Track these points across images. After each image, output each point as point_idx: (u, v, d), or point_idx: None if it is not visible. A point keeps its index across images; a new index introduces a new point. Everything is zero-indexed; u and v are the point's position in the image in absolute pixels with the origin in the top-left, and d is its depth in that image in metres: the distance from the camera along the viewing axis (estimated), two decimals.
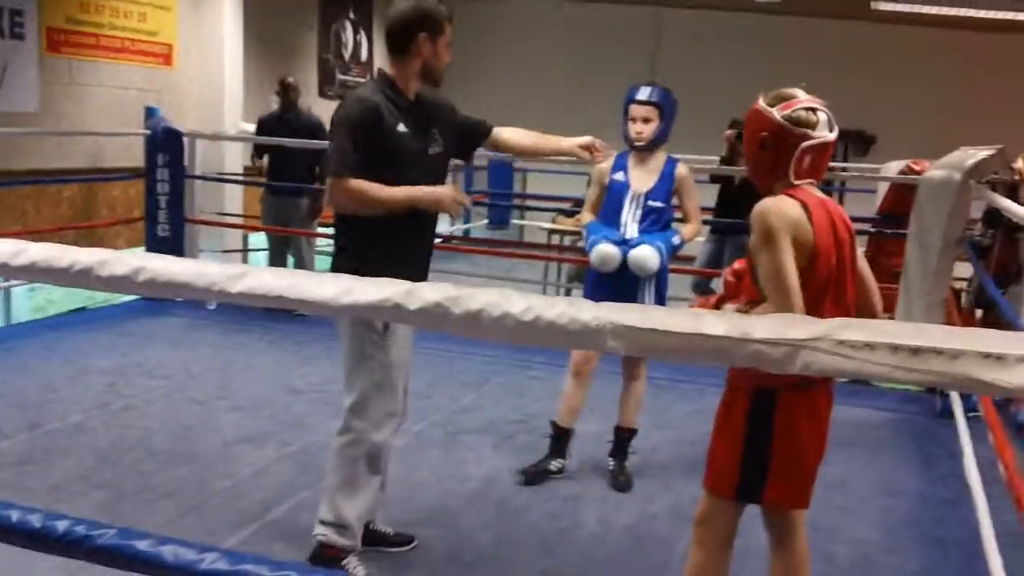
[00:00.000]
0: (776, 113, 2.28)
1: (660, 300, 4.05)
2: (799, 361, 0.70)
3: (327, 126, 3.05)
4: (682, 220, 4.05)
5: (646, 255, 3.73)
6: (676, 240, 3.85)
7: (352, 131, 2.82)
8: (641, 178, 3.90)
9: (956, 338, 0.68)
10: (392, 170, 2.85)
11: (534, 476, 3.92)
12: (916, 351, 0.68)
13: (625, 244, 3.78)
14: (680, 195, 3.95)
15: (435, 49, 2.91)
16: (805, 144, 2.27)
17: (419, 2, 2.91)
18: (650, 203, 3.85)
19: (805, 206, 2.25)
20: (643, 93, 3.98)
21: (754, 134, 2.35)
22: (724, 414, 2.47)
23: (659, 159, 3.96)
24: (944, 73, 11.78)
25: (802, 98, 2.31)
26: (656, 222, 3.86)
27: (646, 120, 3.92)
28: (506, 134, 3.40)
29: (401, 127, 2.88)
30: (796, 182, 2.31)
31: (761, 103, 2.33)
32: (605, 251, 3.76)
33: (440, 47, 2.92)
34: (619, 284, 3.81)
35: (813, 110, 2.29)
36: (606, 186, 3.96)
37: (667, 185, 3.89)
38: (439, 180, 3.06)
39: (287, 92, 7.01)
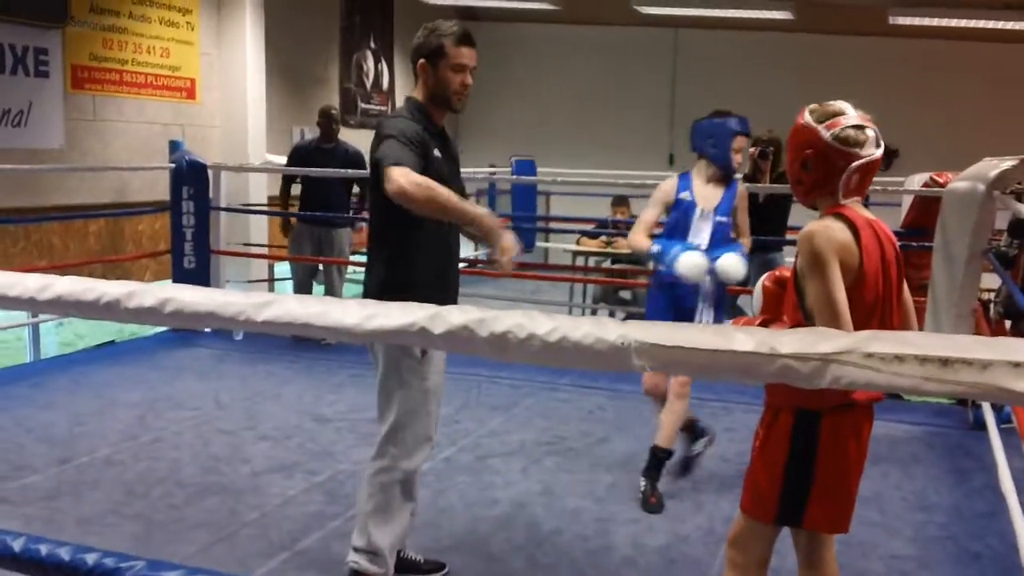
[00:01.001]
0: (824, 132, 2.21)
1: (719, 318, 4.13)
2: (828, 375, 0.70)
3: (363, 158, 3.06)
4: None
5: (735, 262, 3.88)
6: (745, 252, 4.03)
7: (407, 140, 2.78)
8: (707, 196, 4.06)
9: (985, 348, 0.67)
10: None
11: (646, 503, 3.93)
12: (945, 362, 0.67)
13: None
14: (737, 212, 4.14)
15: (437, 74, 2.88)
16: (855, 165, 2.20)
17: (425, 28, 2.91)
18: (718, 218, 3.99)
19: (854, 227, 2.19)
20: (747, 126, 4.28)
21: (798, 151, 2.27)
22: (765, 436, 2.41)
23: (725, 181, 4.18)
24: (965, 85, 11.72)
25: (850, 115, 2.23)
26: (723, 237, 3.99)
27: (738, 150, 4.17)
28: None
29: (437, 152, 2.91)
30: (844, 201, 2.25)
31: (808, 119, 2.25)
32: (694, 259, 3.84)
33: (442, 71, 2.86)
34: (679, 302, 3.97)
35: (861, 128, 2.22)
36: (671, 205, 4.10)
37: (731, 202, 4.07)
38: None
39: (329, 122, 7.00)
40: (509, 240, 2.80)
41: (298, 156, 7.11)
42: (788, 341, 0.71)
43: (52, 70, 7.31)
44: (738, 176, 4.24)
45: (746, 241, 4.15)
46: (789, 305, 2.33)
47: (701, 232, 4.00)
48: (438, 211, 2.73)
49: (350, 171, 6.76)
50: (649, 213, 4.13)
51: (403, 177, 2.66)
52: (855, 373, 0.69)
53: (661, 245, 3.97)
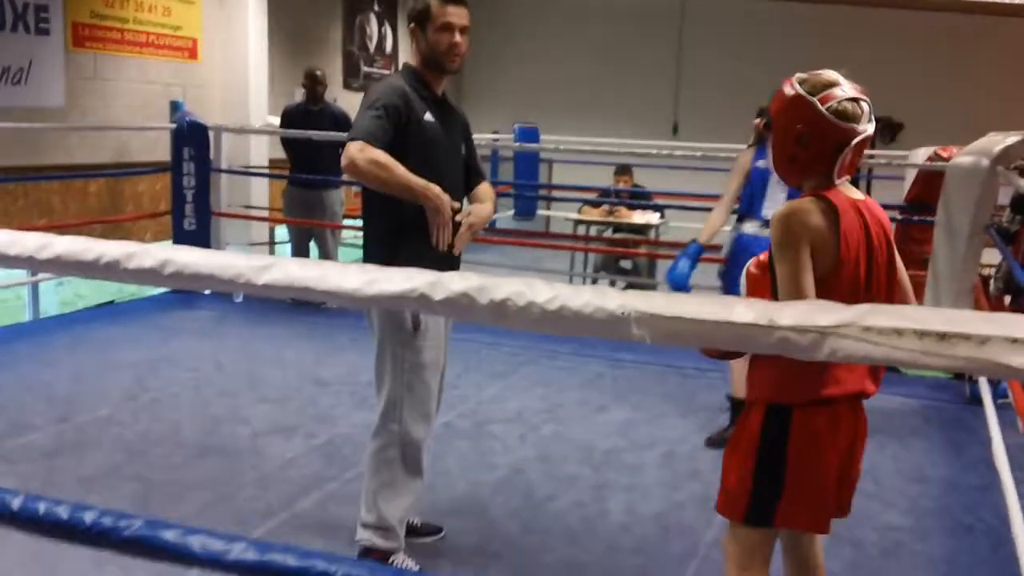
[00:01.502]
0: (819, 105, 2.03)
1: None
2: (826, 348, 0.70)
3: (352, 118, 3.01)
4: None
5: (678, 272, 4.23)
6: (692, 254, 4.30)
7: (382, 108, 2.76)
8: None
9: (984, 323, 0.67)
10: (420, 159, 2.81)
11: (719, 443, 4.10)
12: (943, 336, 0.67)
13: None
14: None
15: (427, 37, 2.84)
16: (855, 141, 2.04)
17: None
18: None
19: (835, 211, 2.04)
20: None
21: (789, 126, 2.09)
22: (738, 431, 2.27)
23: None
24: (972, 59, 11.63)
25: (844, 86, 2.06)
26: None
27: None
28: (478, 190, 3.15)
29: (428, 116, 2.86)
30: (836, 181, 2.10)
31: (799, 89, 2.07)
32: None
33: (431, 33, 2.83)
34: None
35: (856, 101, 2.05)
36: (748, 173, 4.30)
37: None
38: (460, 181, 3.03)
39: (314, 83, 6.96)
40: (442, 217, 2.76)
41: (287, 119, 7.09)
42: (787, 313, 0.71)
43: (53, 28, 7.25)
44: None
45: None
46: (767, 281, 2.20)
47: (776, 197, 4.11)
48: (392, 185, 2.73)
49: (339, 134, 6.72)
50: (733, 182, 4.39)
51: (358, 152, 2.69)
52: (853, 346, 0.69)
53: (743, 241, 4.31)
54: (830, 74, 2.09)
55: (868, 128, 2.07)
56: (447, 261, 2.86)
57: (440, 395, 3.15)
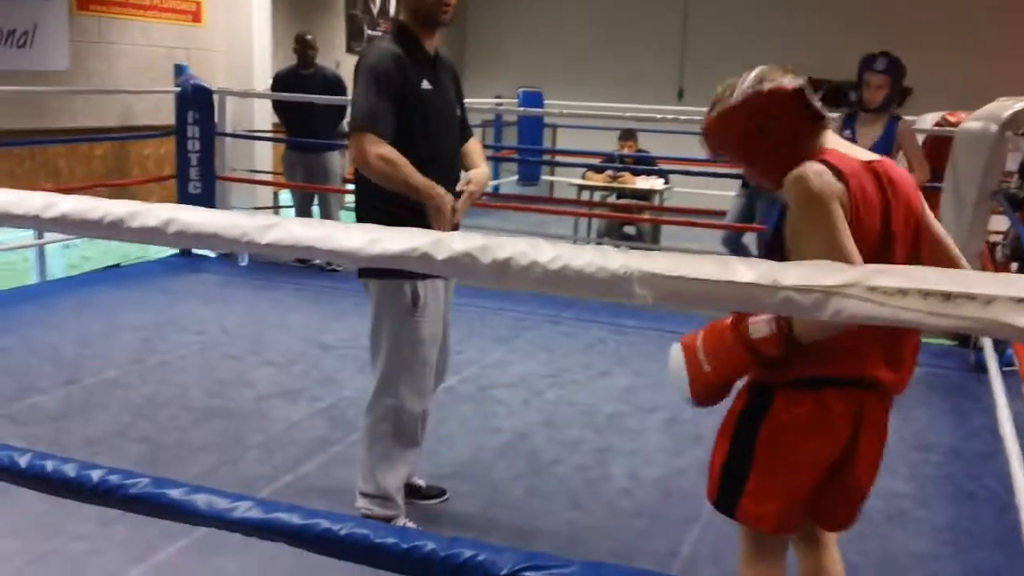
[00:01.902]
0: (755, 86, 1.90)
1: None
2: (830, 307, 0.70)
3: (349, 83, 2.95)
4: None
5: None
6: None
7: (377, 81, 2.70)
8: (866, 135, 4.55)
9: (989, 283, 0.67)
10: (419, 128, 2.77)
11: None
12: (948, 296, 0.67)
13: None
14: (903, 148, 4.60)
15: None
16: (795, 87, 1.90)
17: None
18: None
19: (840, 175, 1.84)
20: (879, 64, 4.70)
21: (749, 120, 1.91)
22: (729, 412, 2.07)
23: (884, 119, 4.71)
24: (981, 24, 11.51)
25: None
26: None
27: (879, 87, 4.62)
28: (468, 147, 3.11)
29: (426, 84, 2.79)
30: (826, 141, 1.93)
31: (753, 85, 1.91)
32: None
33: None
34: None
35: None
36: None
37: (888, 140, 4.56)
38: (457, 144, 3.00)
39: (304, 48, 6.92)
40: (444, 216, 2.72)
41: (279, 84, 7.04)
42: (791, 273, 0.71)
43: None
44: (898, 115, 4.75)
45: (919, 175, 4.51)
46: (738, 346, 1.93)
47: None
48: (389, 185, 2.70)
49: (331, 98, 6.70)
50: None
51: (369, 147, 2.65)
52: (857, 306, 0.69)
53: None
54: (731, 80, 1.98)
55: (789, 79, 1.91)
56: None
57: (447, 360, 3.16)
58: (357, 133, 2.69)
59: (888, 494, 3.53)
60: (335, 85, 6.91)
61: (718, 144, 1.99)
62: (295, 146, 7.02)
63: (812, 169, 1.83)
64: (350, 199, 7.58)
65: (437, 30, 2.84)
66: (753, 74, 1.92)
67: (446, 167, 2.89)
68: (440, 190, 2.71)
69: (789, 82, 1.89)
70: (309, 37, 6.97)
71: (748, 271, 0.72)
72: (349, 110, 2.82)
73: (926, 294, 0.67)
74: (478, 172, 2.99)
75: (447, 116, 2.91)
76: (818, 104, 1.90)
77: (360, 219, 2.92)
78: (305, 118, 6.89)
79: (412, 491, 3.26)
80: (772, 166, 1.92)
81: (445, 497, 3.33)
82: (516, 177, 11.33)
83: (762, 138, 1.90)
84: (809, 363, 1.87)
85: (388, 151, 2.67)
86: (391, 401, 2.90)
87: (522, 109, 10.58)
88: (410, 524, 3.00)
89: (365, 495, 2.96)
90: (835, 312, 0.69)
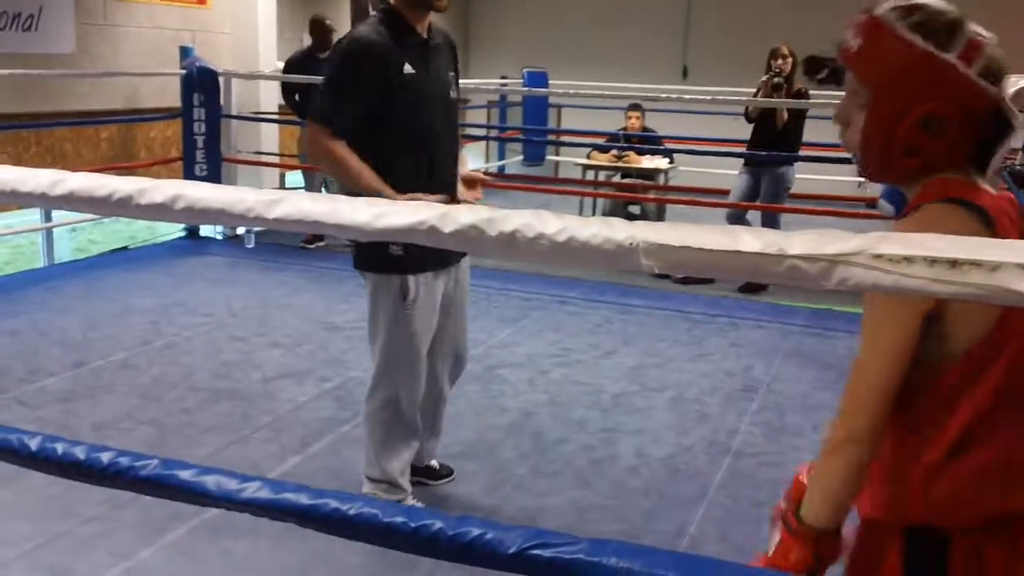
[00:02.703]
0: (962, 67, 1.26)
1: None
2: (835, 276, 0.70)
3: None
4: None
5: None
6: None
7: (344, 73, 2.67)
8: None
9: (995, 250, 0.67)
10: (405, 117, 2.72)
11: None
12: (954, 263, 0.67)
13: None
14: None
15: None
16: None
17: None
18: None
19: (989, 221, 1.28)
20: None
21: (905, 104, 1.28)
22: (856, 566, 1.44)
23: None
24: (986, 2, 11.42)
25: (971, 24, 1.32)
26: None
27: None
28: None
29: (408, 68, 2.70)
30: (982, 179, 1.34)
31: (916, 40, 1.27)
32: None
33: None
34: None
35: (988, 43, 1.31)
36: None
37: None
38: (455, 130, 2.97)
39: (323, 31, 6.95)
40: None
41: (293, 67, 7.04)
42: (796, 242, 0.71)
43: None
44: None
45: None
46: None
47: None
48: (348, 183, 2.71)
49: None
50: None
51: (315, 141, 2.68)
52: (862, 274, 0.69)
53: None
54: (940, 4, 1.31)
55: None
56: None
57: (465, 347, 3.20)
58: (311, 124, 2.71)
59: None
60: None
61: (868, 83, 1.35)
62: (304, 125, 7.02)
63: (930, 220, 1.30)
64: None
65: (428, 13, 2.77)
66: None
67: (436, 153, 2.84)
68: (389, 193, 2.63)
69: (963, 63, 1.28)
70: (328, 21, 6.99)
71: (754, 240, 0.72)
72: (314, 98, 2.80)
73: (932, 261, 0.67)
74: (466, 194, 2.98)
75: (437, 100, 2.83)
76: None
77: None
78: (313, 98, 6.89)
79: (427, 472, 3.28)
80: (894, 166, 1.36)
81: (452, 477, 3.34)
82: (521, 157, 11.31)
83: (920, 131, 1.30)
84: (1004, 492, 1.32)
85: (338, 149, 2.67)
86: (388, 390, 2.92)
87: (527, 89, 10.55)
88: (417, 505, 3.02)
89: (371, 480, 3.00)
90: (840, 280, 0.69)
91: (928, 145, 1.29)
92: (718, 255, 0.73)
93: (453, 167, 2.95)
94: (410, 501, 3.00)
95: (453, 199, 2.89)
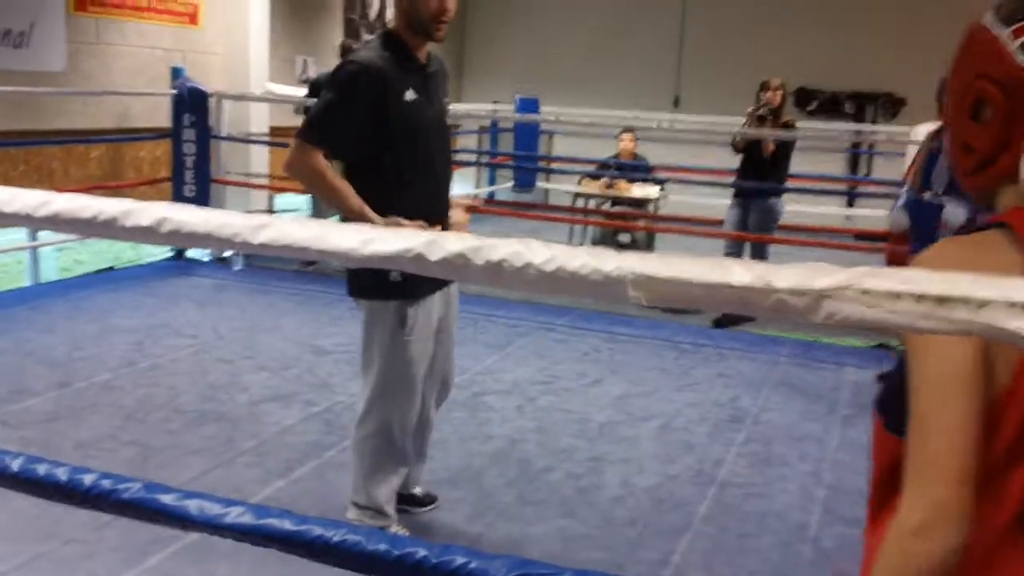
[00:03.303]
0: (1007, 39, 1.06)
1: None
2: (823, 311, 0.70)
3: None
4: None
5: None
6: None
7: (342, 97, 2.67)
8: None
9: (983, 287, 0.67)
10: (402, 140, 2.72)
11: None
12: (942, 300, 0.67)
13: None
14: None
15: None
16: None
17: None
18: None
19: None
20: None
21: (965, 86, 1.12)
22: None
23: None
24: None
25: None
26: None
27: None
28: None
29: (410, 94, 2.71)
30: None
31: (987, 21, 1.10)
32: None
33: None
34: None
35: None
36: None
37: None
38: (449, 156, 2.99)
39: (345, 55, 7.13)
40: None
41: (318, 89, 7.11)
42: (784, 275, 0.71)
43: None
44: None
45: None
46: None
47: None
48: (328, 200, 2.73)
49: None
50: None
51: (299, 160, 2.66)
52: (850, 309, 0.69)
53: None
54: None
55: None
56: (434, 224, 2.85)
57: (452, 373, 3.21)
58: (298, 140, 2.68)
59: None
60: None
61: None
62: None
63: (957, 253, 1.10)
64: None
65: (428, 42, 2.79)
66: None
67: (431, 178, 2.85)
68: (371, 216, 2.64)
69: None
70: (355, 45, 7.14)
71: (743, 273, 0.72)
72: (305, 117, 2.81)
73: (919, 297, 0.67)
74: (457, 223, 2.99)
75: (434, 126, 2.86)
76: None
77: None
78: None
79: (409, 499, 3.25)
80: (961, 168, 1.16)
81: (435, 504, 3.32)
82: (511, 183, 11.34)
83: (969, 120, 1.12)
84: None
85: (321, 167, 2.66)
86: (380, 417, 2.89)
87: (518, 115, 10.60)
88: (402, 532, 3.00)
89: (356, 505, 2.97)
90: (828, 315, 0.69)
91: (978, 138, 1.10)
92: (707, 287, 0.73)
93: (447, 192, 2.96)
94: (395, 528, 2.98)
95: (446, 225, 2.89)
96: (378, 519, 2.94)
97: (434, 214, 2.79)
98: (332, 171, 2.68)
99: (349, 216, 2.66)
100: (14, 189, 1.08)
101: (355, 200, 2.66)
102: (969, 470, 0.99)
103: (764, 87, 6.39)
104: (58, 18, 7.25)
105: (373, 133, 2.69)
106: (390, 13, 12.45)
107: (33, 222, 1.06)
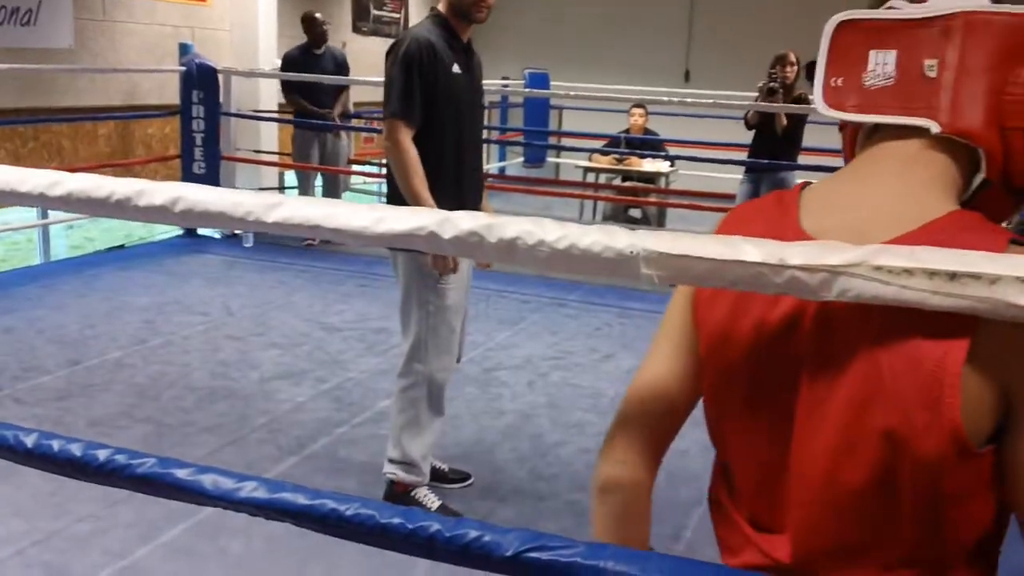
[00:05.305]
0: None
1: None
2: (836, 287, 0.70)
3: (349, 62, 3.10)
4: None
5: None
6: None
7: (409, 70, 2.83)
8: None
9: (995, 263, 0.67)
10: (447, 111, 2.88)
11: None
12: (953, 276, 0.67)
13: None
14: None
15: None
16: None
17: None
18: None
19: None
20: None
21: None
22: None
23: None
24: None
25: None
26: None
27: None
28: None
29: (456, 68, 2.90)
30: None
31: None
32: None
33: None
34: None
35: None
36: None
37: None
38: (480, 128, 3.15)
39: (314, 26, 7.02)
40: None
41: (289, 64, 7.08)
42: (797, 252, 0.71)
43: None
44: None
45: None
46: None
47: None
48: (403, 182, 2.85)
49: (339, 78, 6.97)
50: None
51: (397, 138, 2.82)
52: (863, 286, 0.69)
53: None
54: None
55: None
56: (470, 195, 3.01)
57: (463, 338, 3.24)
58: (390, 119, 2.85)
59: None
60: (343, 65, 7.07)
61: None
62: (308, 125, 7.05)
63: None
64: (354, 180, 7.60)
65: (472, 25, 2.96)
66: None
67: (469, 149, 3.03)
68: (428, 203, 2.81)
69: None
70: (319, 16, 7.04)
71: (754, 250, 0.72)
72: (384, 96, 2.92)
73: (931, 273, 0.67)
74: None
75: (472, 101, 3.05)
76: None
77: (391, 197, 3.01)
78: (317, 96, 6.95)
79: (438, 476, 3.28)
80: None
81: (470, 482, 3.34)
82: (521, 159, 11.31)
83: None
84: None
85: (406, 145, 2.82)
86: (421, 367, 3.00)
87: (528, 91, 10.54)
88: (432, 495, 3.10)
89: (392, 461, 3.06)
90: (840, 292, 0.69)
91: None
92: (719, 264, 0.73)
93: (480, 168, 3.17)
94: (424, 492, 3.09)
95: (479, 200, 3.12)
96: (411, 472, 3.04)
97: (468, 190, 3.00)
98: (414, 152, 2.83)
99: (407, 196, 2.82)
100: (26, 170, 1.09)
101: (422, 189, 2.82)
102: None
103: (780, 61, 6.33)
104: None
105: (426, 103, 2.85)
106: None
107: (47, 201, 1.06)
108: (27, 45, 6.90)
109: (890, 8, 0.98)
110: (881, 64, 0.95)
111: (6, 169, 1.08)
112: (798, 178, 6.59)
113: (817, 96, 1.00)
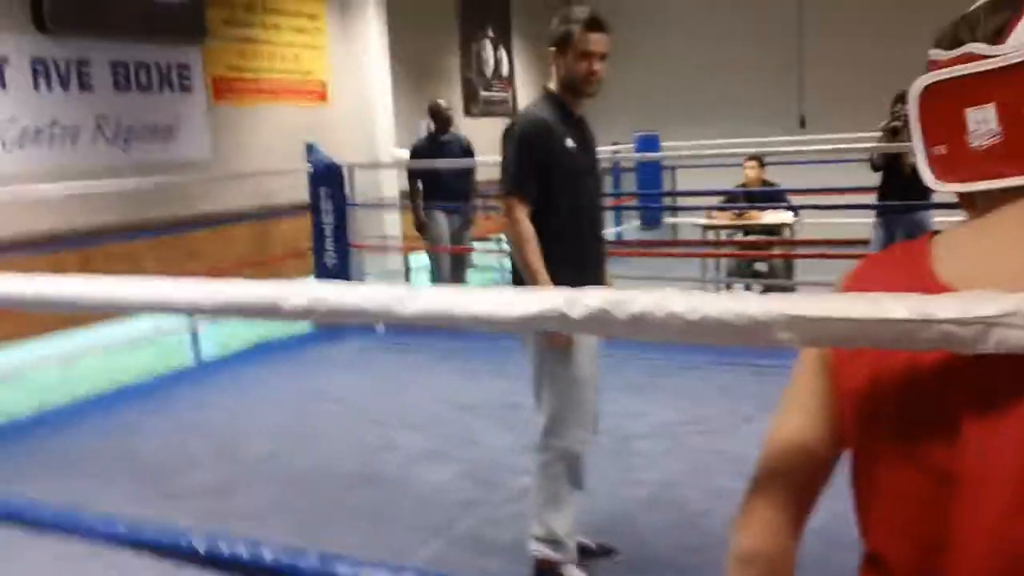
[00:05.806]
0: None
1: None
2: (992, 339, 0.66)
3: (473, 145, 3.19)
4: None
5: None
6: None
7: (523, 148, 2.91)
8: None
9: None
10: (565, 185, 2.93)
11: None
12: None
13: None
14: None
15: (565, 61, 2.93)
16: None
17: (558, 14, 2.98)
18: None
19: None
20: None
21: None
22: None
23: None
24: None
25: None
26: None
27: None
28: None
29: (570, 142, 2.95)
30: None
31: None
32: None
33: (570, 59, 2.91)
34: None
35: None
36: None
37: None
38: (598, 199, 3.18)
39: (439, 114, 7.30)
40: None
41: (417, 153, 7.38)
42: (945, 305, 0.68)
43: (195, 84, 7.68)
44: None
45: None
46: None
47: None
48: (520, 257, 2.91)
49: (466, 160, 7.23)
50: None
51: (515, 216, 2.89)
52: (1020, 336, 0.65)
53: None
54: None
55: None
56: (592, 272, 3.01)
57: (597, 408, 3.21)
58: (506, 197, 2.92)
59: None
60: (468, 149, 7.42)
61: None
62: (441, 208, 7.33)
63: None
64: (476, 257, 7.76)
65: (582, 99, 3.02)
66: None
67: (588, 221, 3.07)
68: (544, 280, 2.85)
69: None
70: (441, 102, 7.43)
71: (899, 306, 0.70)
72: (500, 174, 3.00)
73: None
74: None
75: (591, 174, 3.11)
76: None
77: (514, 273, 3.07)
78: (446, 181, 7.23)
79: (581, 551, 3.23)
80: None
81: (619, 557, 3.26)
82: (638, 222, 11.28)
83: None
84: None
85: (528, 226, 2.88)
86: (558, 441, 2.99)
87: (639, 155, 10.55)
88: (579, 573, 3.05)
89: (538, 539, 3.04)
90: (998, 343, 0.66)
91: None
92: (862, 324, 0.71)
93: (603, 237, 3.21)
94: (572, 569, 3.03)
95: (603, 271, 3.15)
96: (558, 550, 3.01)
97: (590, 261, 3.04)
98: (531, 230, 2.89)
99: (522, 269, 2.89)
100: (180, 280, 1.16)
101: (539, 266, 2.87)
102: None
103: (901, 99, 6.15)
104: (200, 109, 7.72)
105: (542, 178, 2.91)
106: (506, 69, 12.69)
107: (202, 310, 1.12)
108: (169, 159, 7.39)
109: (970, 57, 0.91)
110: (982, 122, 0.87)
111: (159, 283, 1.15)
112: (934, 216, 6.36)
113: (923, 170, 0.93)
